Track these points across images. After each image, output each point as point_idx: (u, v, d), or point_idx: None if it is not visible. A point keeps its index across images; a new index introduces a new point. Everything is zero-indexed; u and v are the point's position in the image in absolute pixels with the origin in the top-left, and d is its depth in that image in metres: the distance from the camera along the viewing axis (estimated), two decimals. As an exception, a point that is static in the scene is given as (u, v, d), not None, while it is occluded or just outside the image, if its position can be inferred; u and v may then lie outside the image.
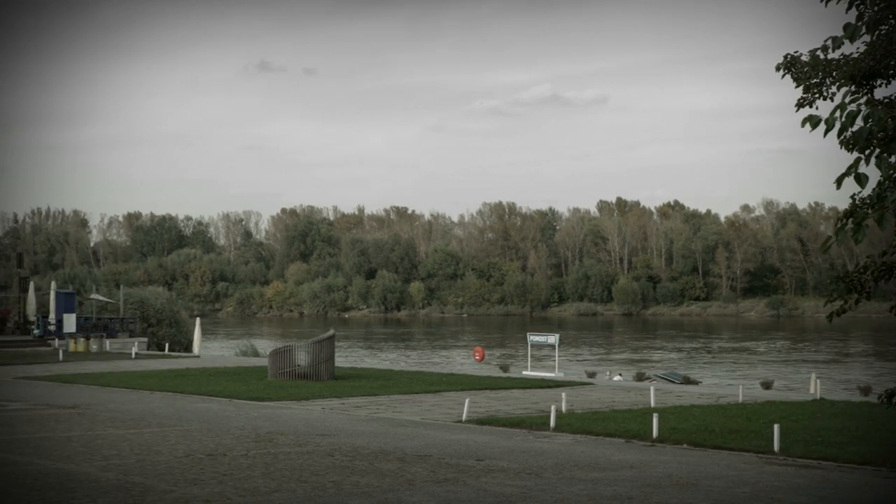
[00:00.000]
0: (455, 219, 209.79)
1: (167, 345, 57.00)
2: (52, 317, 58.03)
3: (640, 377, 40.92)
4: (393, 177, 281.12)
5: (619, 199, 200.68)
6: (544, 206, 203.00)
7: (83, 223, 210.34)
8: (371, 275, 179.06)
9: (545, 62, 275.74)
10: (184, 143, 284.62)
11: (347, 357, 60.66)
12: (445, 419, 23.23)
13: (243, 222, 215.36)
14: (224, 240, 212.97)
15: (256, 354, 55.82)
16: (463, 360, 63.52)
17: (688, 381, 40.09)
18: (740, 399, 27.34)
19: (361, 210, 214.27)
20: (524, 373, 38.45)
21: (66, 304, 58.75)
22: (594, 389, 31.12)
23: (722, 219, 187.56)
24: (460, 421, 22.69)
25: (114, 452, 17.44)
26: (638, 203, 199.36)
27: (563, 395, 25.61)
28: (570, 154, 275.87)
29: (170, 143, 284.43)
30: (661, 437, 19.58)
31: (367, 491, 13.95)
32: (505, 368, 42.15)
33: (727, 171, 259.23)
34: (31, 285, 64.27)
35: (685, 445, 19.04)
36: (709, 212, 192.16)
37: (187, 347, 60.18)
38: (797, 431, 20.13)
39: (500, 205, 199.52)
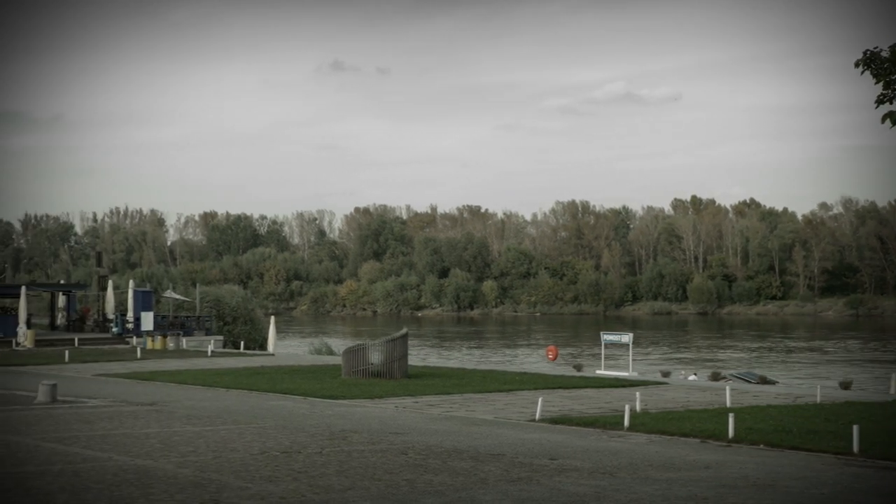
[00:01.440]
0: (528, 217, 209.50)
1: (242, 343, 57.55)
2: (130, 315, 58.91)
3: (715, 377, 40.51)
4: (466, 175, 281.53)
5: (693, 198, 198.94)
6: (618, 205, 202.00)
7: (160, 222, 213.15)
8: (444, 273, 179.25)
9: (618, 60, 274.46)
10: (258, 143, 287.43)
11: (420, 355, 60.78)
12: (518, 418, 23.16)
13: (317, 221, 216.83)
14: (298, 239, 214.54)
15: (330, 353, 56.17)
16: (536, 359, 63.36)
17: (764, 380, 39.62)
18: (818, 399, 26.94)
19: (434, 209, 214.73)
20: (598, 372, 38.25)
21: (143, 302, 59.62)
22: (668, 389, 30.86)
23: (799, 217, 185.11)
24: (533, 420, 22.62)
25: (190, 449, 17.63)
26: (713, 201, 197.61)
27: (637, 394, 25.42)
28: (644, 152, 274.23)
29: (245, 143, 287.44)
30: (737, 438, 19.35)
31: (441, 489, 13.95)
32: (578, 367, 41.97)
33: (804, 169, 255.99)
34: (110, 284, 65.28)
35: (762, 446, 18.80)
36: (785, 210, 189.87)
37: (262, 345, 60.73)
38: (877, 432, 19.78)
39: (573, 203, 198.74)
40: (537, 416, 22.80)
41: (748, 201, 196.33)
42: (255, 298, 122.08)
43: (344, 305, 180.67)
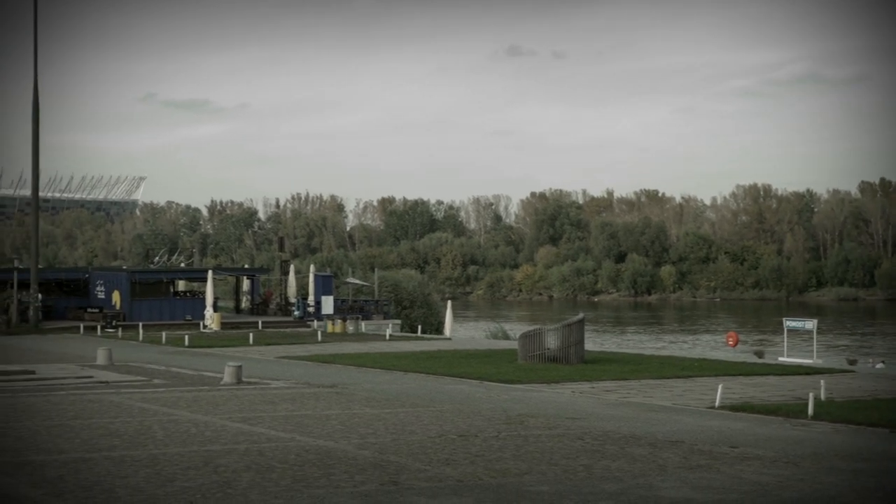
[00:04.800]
0: (707, 201, 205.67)
1: (419, 327, 58.20)
2: (311, 299, 60.25)
3: (904, 365, 39.05)
4: (643, 159, 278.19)
5: (882, 180, 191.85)
6: (801, 188, 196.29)
7: (340, 208, 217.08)
8: (621, 258, 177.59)
9: (802, 39, 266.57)
10: (435, 128, 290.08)
11: (597, 341, 60.41)
12: (697, 405, 22.79)
13: (493, 206, 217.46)
14: (474, 224, 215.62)
15: (506, 337, 56.35)
16: (716, 346, 62.23)
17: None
18: None
19: (611, 193, 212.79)
20: (780, 359, 37.31)
21: (324, 286, 60.92)
22: (855, 377, 29.88)
23: None
24: (713, 407, 22.21)
25: (370, 431, 17.91)
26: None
27: (822, 382, 24.69)
28: (828, 134, 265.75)
29: (421, 128, 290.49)
30: (929, 429, 18.60)
31: (618, 476, 13.82)
32: (760, 354, 41.01)
33: None
34: (292, 268, 66.85)
35: (956, 438, 18.03)
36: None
37: (438, 329, 61.29)
38: None
39: (754, 187, 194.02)
40: (717, 404, 22.38)
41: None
42: (431, 283, 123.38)
43: (520, 290, 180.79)
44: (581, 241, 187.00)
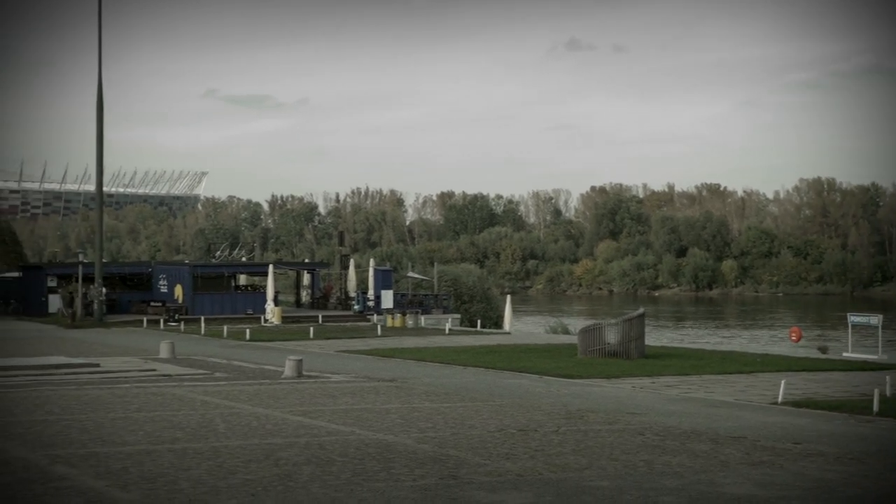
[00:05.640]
0: (769, 195, 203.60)
1: (479, 321, 58.18)
2: (370, 293, 60.45)
3: (973, 361, 38.38)
4: (704, 153, 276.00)
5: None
6: (866, 182, 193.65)
7: (399, 202, 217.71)
8: (682, 253, 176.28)
9: (865, 31, 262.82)
10: (494, 122, 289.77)
11: (657, 336, 60.03)
12: (760, 400, 22.57)
13: (553, 200, 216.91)
14: (534, 218, 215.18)
15: (566, 332, 56.14)
16: (778, 341, 61.59)
17: None
18: None
19: (671, 187, 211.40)
20: (844, 354, 36.84)
21: (383, 280, 61.10)
22: (921, 373, 29.42)
23: None
24: (776, 403, 21.99)
25: (429, 425, 17.94)
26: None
27: (887, 378, 24.32)
28: (894, 126, 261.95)
29: (481, 123, 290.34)
30: None
31: (679, 471, 13.72)
32: (823, 350, 40.50)
33: None
34: (352, 263, 67.14)
35: None
36: None
37: (497, 324, 61.24)
38: None
39: (818, 180, 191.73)
40: (780, 399, 22.15)
41: None
42: (491, 277, 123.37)
43: (579, 285, 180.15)
44: (641, 236, 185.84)
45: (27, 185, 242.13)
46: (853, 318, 38.62)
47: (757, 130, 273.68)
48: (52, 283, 60.63)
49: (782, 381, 23.51)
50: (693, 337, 69.10)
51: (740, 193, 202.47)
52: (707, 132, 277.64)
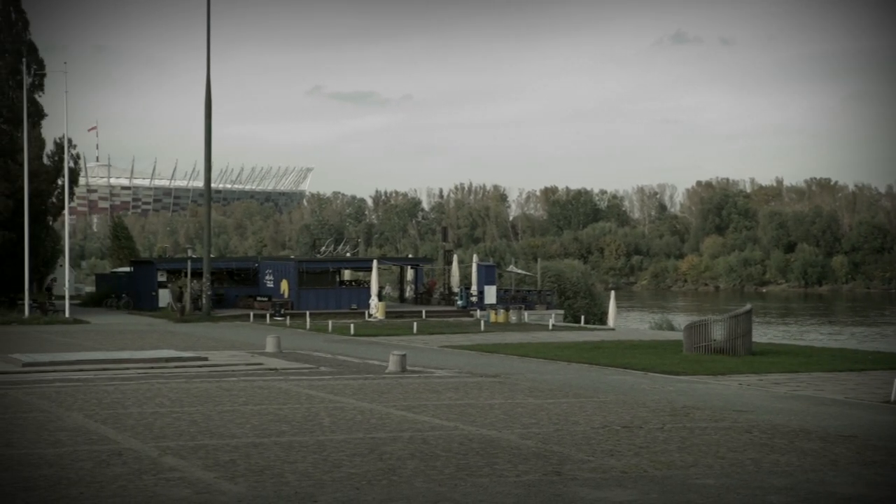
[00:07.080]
0: (882, 189, 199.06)
1: (582, 317, 57.90)
2: (473, 288, 60.52)
3: None
4: (813, 147, 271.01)
5: None
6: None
7: (502, 198, 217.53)
8: (790, 248, 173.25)
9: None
10: (598, 117, 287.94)
11: (765, 332, 59.10)
12: (871, 399, 22.08)
13: (658, 195, 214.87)
14: (638, 213, 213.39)
15: (671, 328, 55.58)
16: (890, 338, 60.22)
17: None
18: None
19: (780, 182, 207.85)
20: (959, 353, 35.90)
21: (486, 276, 61.14)
22: None
23: None
24: (888, 402, 21.48)
25: (533, 421, 17.90)
26: None
27: None
28: None
29: (585, 117, 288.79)
30: None
31: (788, 470, 13.49)
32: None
33: None
34: (455, 258, 67.29)
35: None
36: None
37: (601, 319, 60.89)
38: None
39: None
40: (892, 398, 21.63)
41: None
42: (595, 273, 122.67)
43: (685, 280, 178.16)
44: (749, 231, 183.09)
45: (138, 182, 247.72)
46: (969, 316, 37.59)
47: (868, 123, 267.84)
48: (161, 277, 61.85)
49: (895, 380, 22.96)
50: (802, 333, 67.88)
51: (851, 187, 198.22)
52: (816, 125, 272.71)
